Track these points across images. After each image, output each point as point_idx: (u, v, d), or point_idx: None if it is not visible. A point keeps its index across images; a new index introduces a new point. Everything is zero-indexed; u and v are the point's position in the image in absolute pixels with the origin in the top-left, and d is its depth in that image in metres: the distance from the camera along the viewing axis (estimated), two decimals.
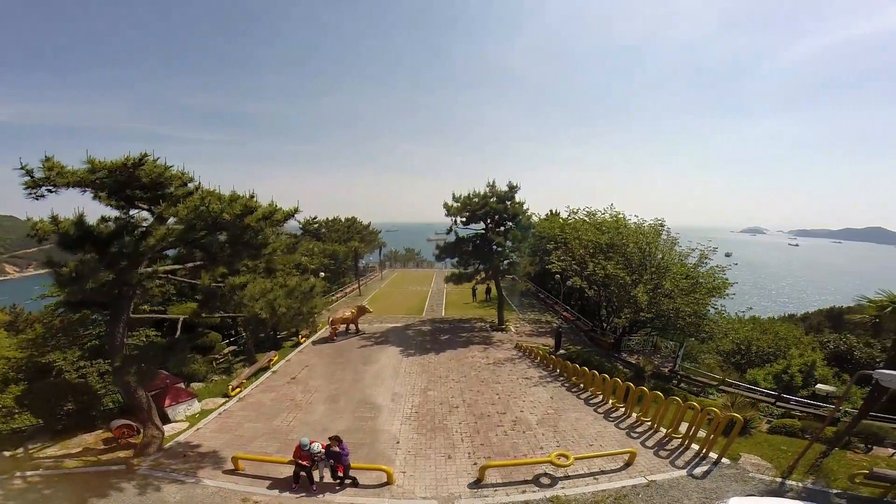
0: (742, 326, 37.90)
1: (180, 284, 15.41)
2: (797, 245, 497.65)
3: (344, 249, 46.49)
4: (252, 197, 11.08)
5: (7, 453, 15.07)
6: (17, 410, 15.89)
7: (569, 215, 48.98)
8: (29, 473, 13.41)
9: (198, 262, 11.62)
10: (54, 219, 9.39)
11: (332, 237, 51.29)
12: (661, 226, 31.61)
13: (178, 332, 13.46)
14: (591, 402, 18.53)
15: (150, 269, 10.73)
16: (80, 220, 9.37)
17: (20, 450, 15.41)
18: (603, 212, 42.92)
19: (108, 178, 9.19)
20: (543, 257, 41.41)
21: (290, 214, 12.01)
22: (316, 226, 53.23)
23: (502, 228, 29.87)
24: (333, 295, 42.42)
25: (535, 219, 50.01)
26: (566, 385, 20.43)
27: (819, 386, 20.17)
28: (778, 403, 22.64)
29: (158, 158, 9.81)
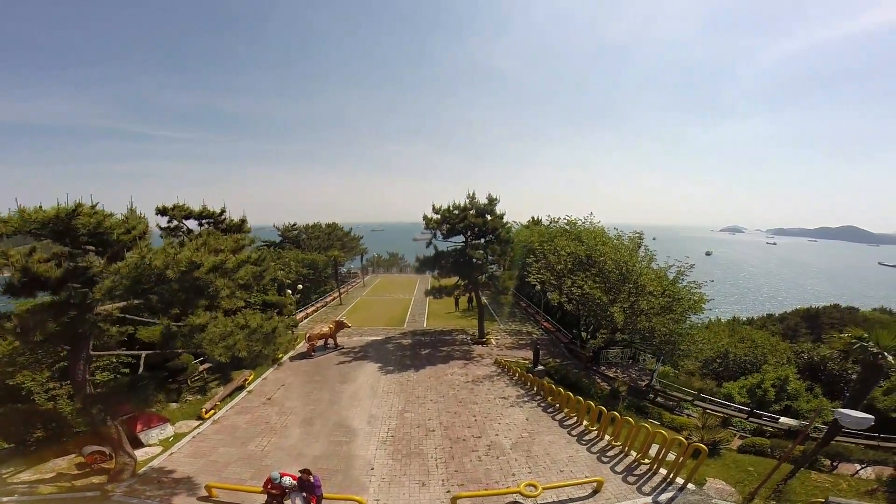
0: (718, 336, 38.61)
1: (137, 323, 14.99)
2: (775, 244, 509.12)
3: (323, 258, 46.00)
4: (210, 235, 10.86)
5: None
6: None
7: (550, 223, 49.33)
8: (5, 500, 13.07)
9: (153, 305, 11.30)
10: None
11: (312, 244, 50.70)
12: (641, 238, 31.92)
13: (142, 369, 13.13)
14: (565, 423, 18.65)
15: (103, 312, 10.41)
16: (24, 268, 9.03)
17: None
18: (584, 220, 43.33)
19: (42, 230, 8.88)
20: (524, 267, 41.65)
21: (245, 261, 11.73)
22: (295, 232, 52.59)
23: (482, 241, 29.94)
24: (312, 305, 41.92)
25: (515, 227, 50.27)
26: (542, 405, 20.53)
27: (782, 420, 20.63)
28: (751, 419, 23.12)
29: (97, 204, 9.51)
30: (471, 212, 29.09)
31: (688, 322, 25.93)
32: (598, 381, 27.22)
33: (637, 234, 32.07)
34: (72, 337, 10.79)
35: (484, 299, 36.42)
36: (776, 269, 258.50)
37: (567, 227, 42.02)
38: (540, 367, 25.39)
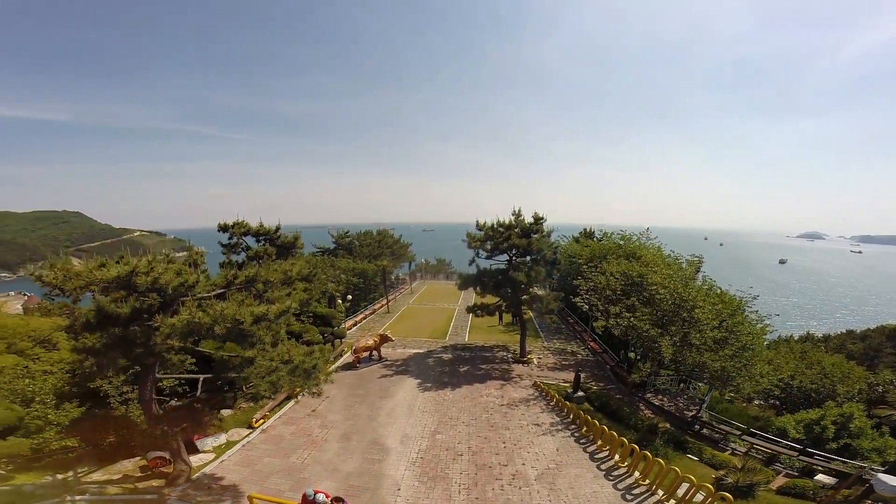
0: (784, 359, 36.00)
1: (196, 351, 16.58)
2: (860, 252, 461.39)
3: (373, 267, 47.76)
4: (262, 267, 12.01)
5: (60, 476, 16.90)
6: (66, 434, 17.69)
7: (602, 237, 48.09)
8: (78, 498, 14.99)
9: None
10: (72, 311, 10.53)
11: (363, 252, 52.69)
12: (700, 262, 30.55)
13: (200, 391, 14.65)
14: (596, 456, 18.46)
15: (165, 346, 11.78)
16: (99, 308, 10.47)
17: (70, 473, 17.21)
18: (639, 236, 41.86)
19: (108, 287, 10.24)
20: (572, 283, 40.91)
21: (285, 311, 12.70)
22: (348, 240, 54.87)
23: (526, 260, 29.83)
24: (361, 312, 43.67)
25: (565, 241, 49.42)
26: (575, 435, 20.37)
27: (818, 477, 19.10)
28: (801, 457, 21.63)
29: (154, 260, 10.81)
30: (515, 230, 29.08)
31: (746, 355, 24.28)
32: (643, 408, 26.43)
33: (696, 259, 30.70)
34: (140, 364, 12.31)
35: (529, 312, 36.04)
36: (860, 280, 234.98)
37: (620, 243, 40.79)
38: (580, 394, 25.04)
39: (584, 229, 53.63)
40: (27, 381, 18.84)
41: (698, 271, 30.12)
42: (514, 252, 29.59)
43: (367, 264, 47.99)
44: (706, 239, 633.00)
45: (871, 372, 50.04)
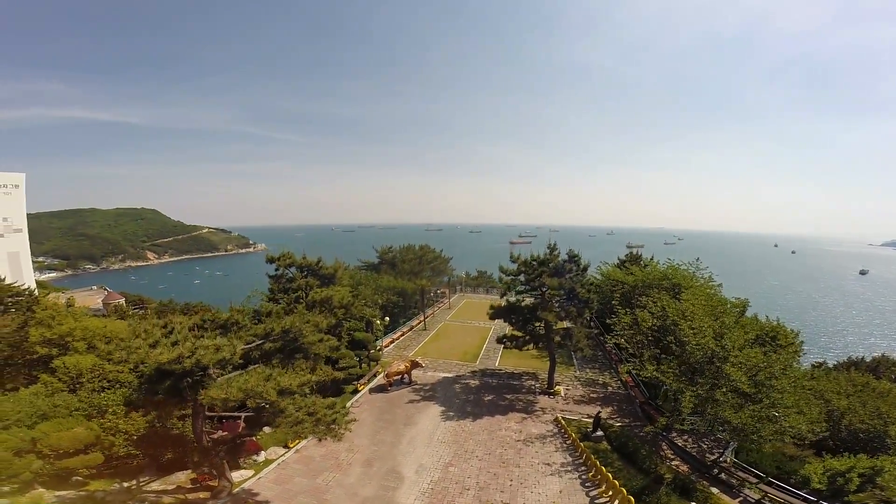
0: (836, 389, 34.02)
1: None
2: None
3: (412, 286, 49.74)
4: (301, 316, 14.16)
5: (125, 484, 19.97)
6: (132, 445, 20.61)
7: (645, 265, 47.20)
8: None
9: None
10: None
11: (405, 268, 54.85)
12: (746, 305, 29.71)
13: (241, 428, 17.08)
14: (597, 501, 19.33)
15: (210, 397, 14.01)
16: (158, 367, 12.84)
17: (134, 482, 20.24)
18: (689, 267, 40.60)
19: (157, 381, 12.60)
20: (611, 312, 40.47)
21: (306, 381, 14.69)
22: (391, 255, 57.29)
23: (559, 296, 30.29)
24: (399, 330, 45.77)
25: (606, 267, 49.01)
26: (583, 478, 21.19)
27: None
28: None
29: (195, 350, 13.05)
30: (547, 268, 29.73)
31: (772, 412, 23.15)
32: (665, 448, 26.57)
33: (741, 301, 29.83)
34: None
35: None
36: None
37: (666, 272, 39.38)
38: (599, 433, 25.57)
39: (630, 252, 52.83)
40: (103, 394, 22.09)
41: (743, 314, 29.27)
42: (545, 289, 30.07)
43: (406, 282, 50.06)
44: (776, 246, 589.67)
45: None
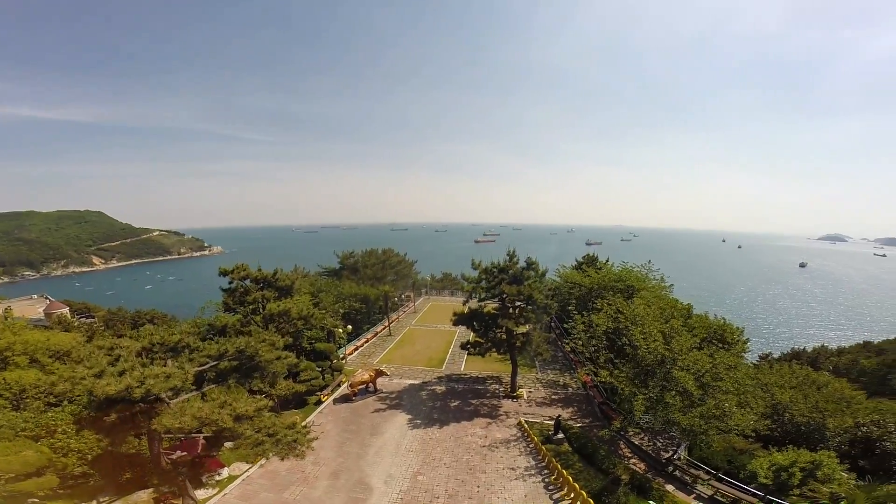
0: (783, 379, 36.33)
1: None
2: (884, 255, 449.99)
3: (375, 293, 49.42)
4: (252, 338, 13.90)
5: None
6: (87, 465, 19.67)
7: (602, 266, 48.91)
8: None
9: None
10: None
11: (367, 273, 54.34)
12: (690, 310, 31.16)
13: (200, 449, 16.63)
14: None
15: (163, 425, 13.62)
16: (110, 393, 12.37)
17: (93, 502, 19.35)
18: (642, 269, 42.48)
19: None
20: (569, 308, 41.52)
21: (262, 407, 14.49)
22: (353, 260, 56.64)
23: (516, 306, 30.93)
24: (364, 336, 45.40)
25: (563, 270, 50.41)
26: (546, 482, 21.91)
27: None
28: None
29: (157, 366, 12.68)
30: (507, 275, 30.37)
31: (717, 413, 24.50)
32: (623, 446, 27.66)
33: (686, 306, 31.36)
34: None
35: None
36: (884, 285, 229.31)
37: (622, 276, 40.86)
38: (560, 435, 26.40)
39: (587, 255, 54.48)
40: (51, 413, 20.94)
41: (689, 316, 30.82)
42: (505, 296, 30.71)
43: (369, 289, 49.64)
44: (724, 241, 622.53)
45: (876, 399, 50.01)
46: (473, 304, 32.51)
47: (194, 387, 14.58)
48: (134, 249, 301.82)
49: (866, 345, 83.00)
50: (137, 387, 11.86)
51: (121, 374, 12.36)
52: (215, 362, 15.90)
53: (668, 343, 25.12)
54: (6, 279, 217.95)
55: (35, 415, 20.84)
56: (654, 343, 24.49)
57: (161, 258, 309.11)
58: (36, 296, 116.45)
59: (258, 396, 27.67)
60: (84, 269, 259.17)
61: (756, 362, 68.75)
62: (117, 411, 13.44)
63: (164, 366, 14.46)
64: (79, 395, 21.55)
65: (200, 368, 15.22)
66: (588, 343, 29.17)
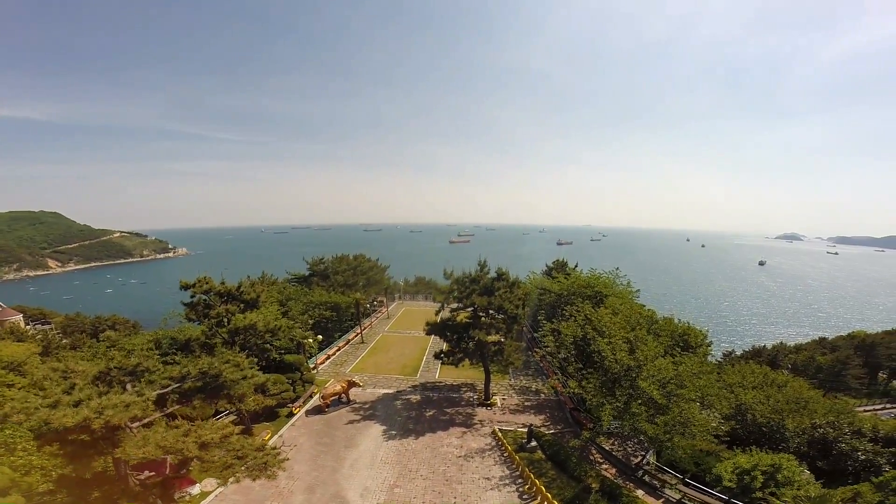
0: (747, 382, 37.72)
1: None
2: (836, 253, 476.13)
3: (346, 300, 48.68)
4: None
5: None
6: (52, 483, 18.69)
7: (571, 272, 49.80)
8: None
9: None
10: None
11: (338, 280, 53.50)
12: (654, 317, 31.94)
13: (168, 470, 16.05)
14: None
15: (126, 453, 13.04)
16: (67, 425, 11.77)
17: None
18: (611, 275, 43.41)
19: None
20: (539, 317, 42.04)
21: (229, 434, 14.10)
22: (323, 266, 55.66)
23: (488, 315, 31.02)
24: (335, 345, 44.68)
25: (534, 275, 51.05)
26: (519, 491, 22.13)
27: None
28: None
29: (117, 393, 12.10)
30: (478, 286, 30.51)
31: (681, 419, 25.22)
32: (594, 452, 28.13)
33: (650, 312, 32.04)
34: None
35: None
36: (836, 282, 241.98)
37: (590, 282, 41.68)
38: (533, 444, 26.65)
39: (557, 260, 55.28)
40: (8, 430, 19.77)
41: (654, 322, 31.58)
42: (476, 307, 30.86)
43: (340, 296, 48.85)
44: (688, 240, 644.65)
45: (831, 396, 52.46)
46: (446, 313, 32.48)
47: (157, 411, 13.94)
48: (93, 252, 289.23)
49: (821, 341, 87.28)
50: (96, 418, 11.27)
51: (77, 404, 11.72)
52: (178, 384, 15.32)
53: (633, 352, 25.73)
54: None
55: None
56: (620, 353, 25.02)
57: (122, 261, 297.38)
58: None
59: (225, 414, 26.96)
60: (39, 273, 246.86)
61: (719, 359, 71.46)
62: (77, 441, 12.75)
63: (124, 390, 13.84)
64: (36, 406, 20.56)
65: (162, 391, 14.63)
66: (557, 352, 29.64)
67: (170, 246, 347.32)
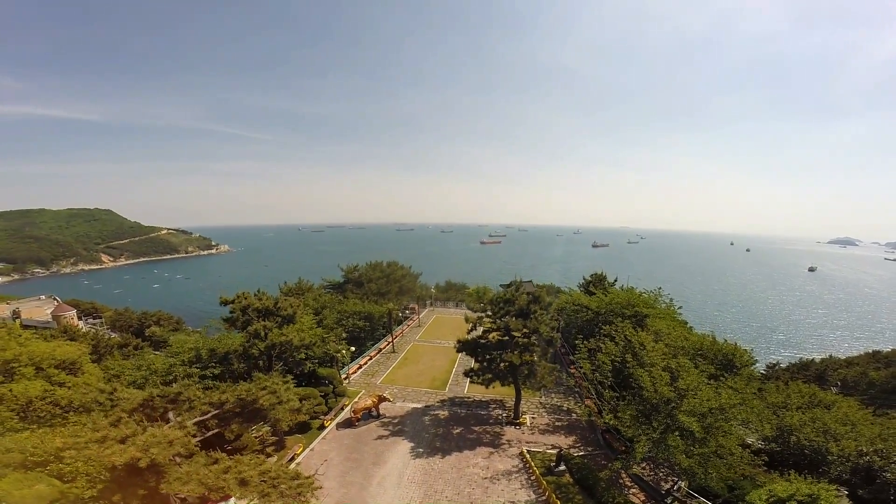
0: (792, 401, 36.03)
1: None
2: (895, 259, 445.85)
3: (379, 310, 49.29)
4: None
5: None
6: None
7: (609, 287, 48.54)
8: None
9: None
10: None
11: (371, 288, 54.18)
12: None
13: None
14: None
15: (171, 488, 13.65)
16: (115, 463, 12.46)
17: None
18: (655, 294, 42.15)
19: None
20: (573, 331, 41.16)
21: (267, 470, 14.57)
22: (357, 274, 56.53)
23: (522, 337, 30.52)
24: (367, 355, 45.34)
25: (569, 290, 50.09)
26: None
27: None
28: None
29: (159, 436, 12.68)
30: (513, 307, 30.18)
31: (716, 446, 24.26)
32: (624, 475, 27.45)
33: (696, 336, 30.84)
34: None
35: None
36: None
37: (630, 301, 40.27)
38: (561, 468, 26.30)
39: (594, 274, 53.68)
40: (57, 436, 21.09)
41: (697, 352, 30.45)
42: (511, 329, 30.23)
43: (373, 306, 49.54)
44: (732, 244, 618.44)
45: (883, 412, 49.24)
46: (477, 332, 32.24)
47: (199, 445, 14.53)
48: (142, 248, 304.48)
49: (875, 354, 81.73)
50: (141, 458, 11.89)
51: (123, 440, 12.39)
52: (217, 411, 15.94)
53: (674, 382, 24.85)
54: (16, 276, 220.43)
55: (41, 439, 21.04)
56: (660, 385, 24.22)
57: (168, 256, 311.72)
58: (44, 296, 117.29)
59: (260, 424, 27.77)
60: (93, 267, 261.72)
61: (763, 371, 68.14)
62: (122, 472, 13.46)
63: (165, 420, 14.49)
64: (86, 403, 21.68)
65: (202, 418, 15.26)
66: (594, 376, 28.98)
67: (213, 243, 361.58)
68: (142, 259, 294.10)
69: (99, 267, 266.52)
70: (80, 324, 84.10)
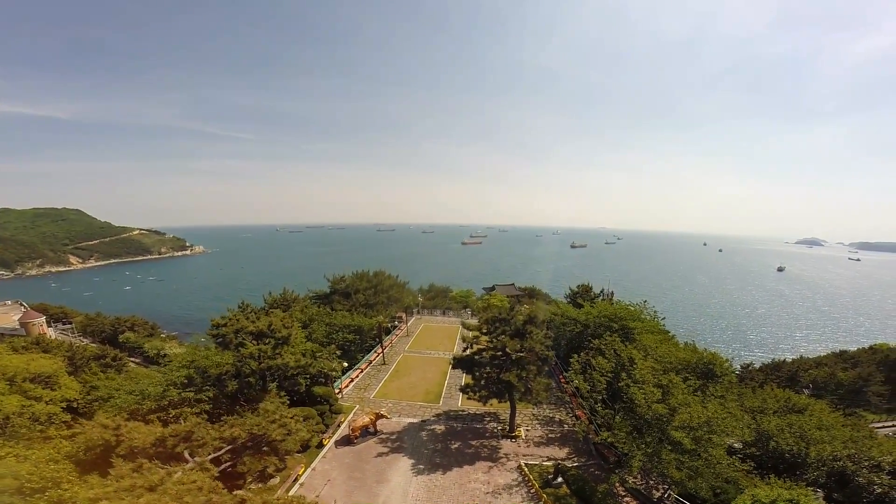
0: (769, 405, 37.59)
1: None
2: (858, 259, 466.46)
3: (369, 323, 49.18)
4: None
5: None
6: None
7: (596, 297, 49.70)
8: None
9: None
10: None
11: (359, 299, 53.86)
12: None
13: None
14: None
15: None
16: None
17: None
18: (642, 307, 43.33)
19: None
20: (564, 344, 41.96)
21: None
22: (343, 284, 56.15)
23: (517, 355, 31.20)
24: (357, 368, 45.26)
25: (559, 302, 51.12)
26: None
27: None
28: None
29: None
30: (508, 327, 30.86)
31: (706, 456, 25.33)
32: (617, 485, 28.33)
33: (681, 350, 31.85)
34: None
35: None
36: (857, 291, 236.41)
37: (617, 313, 41.22)
38: (559, 480, 27.04)
39: (580, 285, 54.82)
40: (52, 466, 20.52)
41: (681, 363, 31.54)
42: (506, 349, 30.83)
43: (363, 318, 49.40)
44: (705, 244, 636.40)
45: (851, 411, 51.69)
46: (471, 350, 32.71)
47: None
48: (113, 248, 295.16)
49: (842, 354, 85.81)
50: (149, 489, 11.87)
51: (152, 488, 12.33)
52: (229, 446, 15.95)
53: (665, 397, 25.82)
54: None
55: (35, 466, 20.54)
56: (655, 405, 25.09)
57: (141, 258, 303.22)
58: (10, 301, 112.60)
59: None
60: (61, 269, 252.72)
61: (738, 371, 70.73)
62: None
63: (180, 458, 14.46)
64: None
65: (216, 455, 15.25)
66: (589, 396, 29.88)
67: (187, 244, 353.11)
68: (113, 261, 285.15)
69: (67, 269, 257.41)
70: (50, 331, 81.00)
